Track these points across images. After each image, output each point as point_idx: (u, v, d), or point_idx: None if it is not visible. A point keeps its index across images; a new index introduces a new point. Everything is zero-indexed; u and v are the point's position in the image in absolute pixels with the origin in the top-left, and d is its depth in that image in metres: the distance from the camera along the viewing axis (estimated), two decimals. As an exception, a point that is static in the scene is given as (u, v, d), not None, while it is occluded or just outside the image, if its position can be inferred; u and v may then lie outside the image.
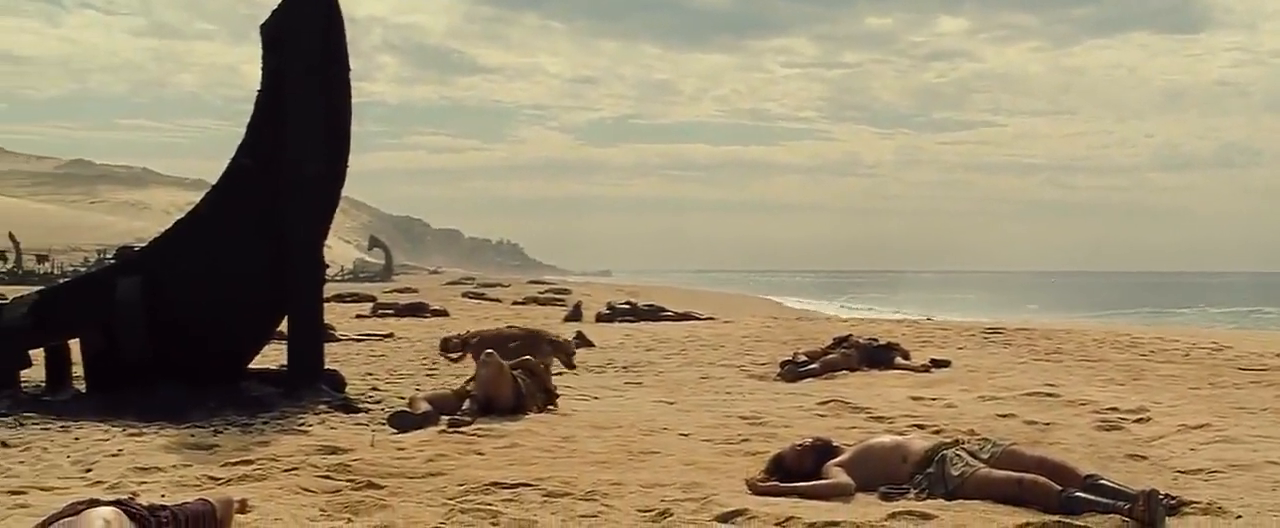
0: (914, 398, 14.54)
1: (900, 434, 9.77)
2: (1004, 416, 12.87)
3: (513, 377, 12.99)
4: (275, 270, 13.46)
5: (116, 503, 6.88)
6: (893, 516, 7.72)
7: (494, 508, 8.24)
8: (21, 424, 11.84)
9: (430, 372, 18.26)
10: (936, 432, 11.19)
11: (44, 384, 13.66)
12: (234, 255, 13.44)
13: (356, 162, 13.78)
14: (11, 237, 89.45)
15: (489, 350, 13.83)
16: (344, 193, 14.08)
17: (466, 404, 12.45)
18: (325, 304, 14.48)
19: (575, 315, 34.72)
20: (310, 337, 13.84)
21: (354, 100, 13.68)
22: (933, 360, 18.78)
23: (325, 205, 13.70)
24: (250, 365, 13.97)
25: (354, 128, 13.71)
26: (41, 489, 8.88)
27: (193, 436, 11.28)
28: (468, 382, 13.15)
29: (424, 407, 12.35)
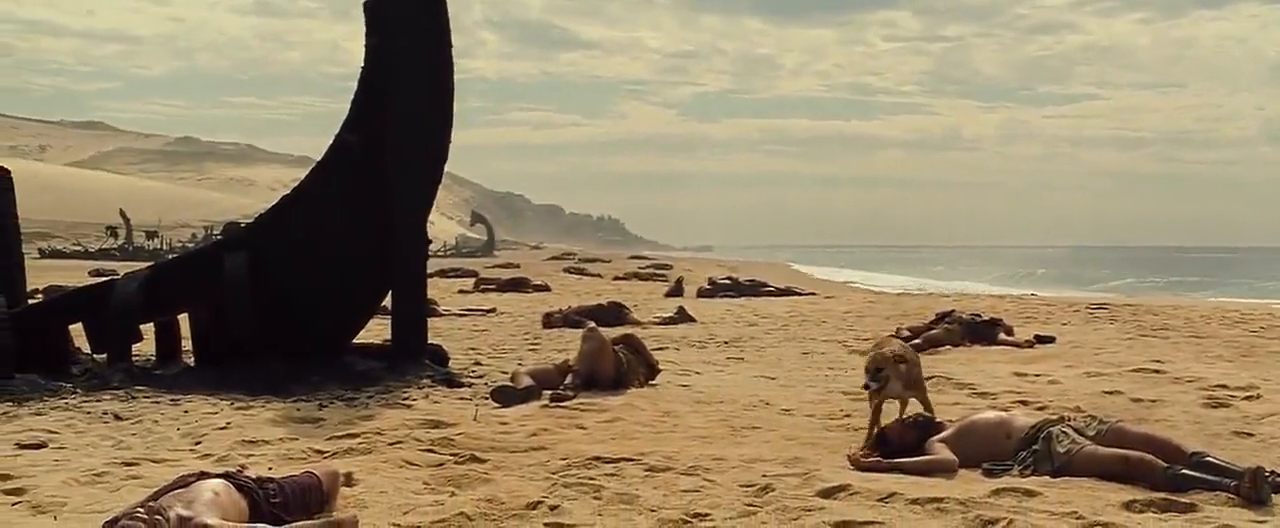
0: (1018, 374, 14.40)
1: (1004, 410, 9.68)
2: (1109, 392, 12.72)
3: (615, 351, 13.03)
4: (380, 246, 13.56)
5: (225, 475, 6.99)
6: (996, 492, 7.67)
7: (596, 482, 8.27)
8: (133, 397, 12.06)
9: (532, 346, 18.35)
10: (1041, 408, 11.10)
11: (154, 358, 13.90)
12: (339, 231, 13.55)
13: (458, 138, 13.84)
14: (122, 213, 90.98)
15: (591, 325, 13.89)
16: (446, 169, 14.15)
17: (568, 379, 12.51)
18: (428, 279, 14.59)
19: (676, 291, 34.70)
20: (414, 312, 13.94)
21: (456, 76, 13.74)
22: (1037, 336, 18.59)
23: (429, 181, 13.78)
24: (355, 340, 14.12)
25: (456, 104, 13.76)
26: (153, 461, 9.04)
27: (298, 409, 11.43)
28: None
29: (526, 381, 12.42)
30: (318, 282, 13.44)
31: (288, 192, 14.22)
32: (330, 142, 13.75)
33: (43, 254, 73.56)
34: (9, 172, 14.48)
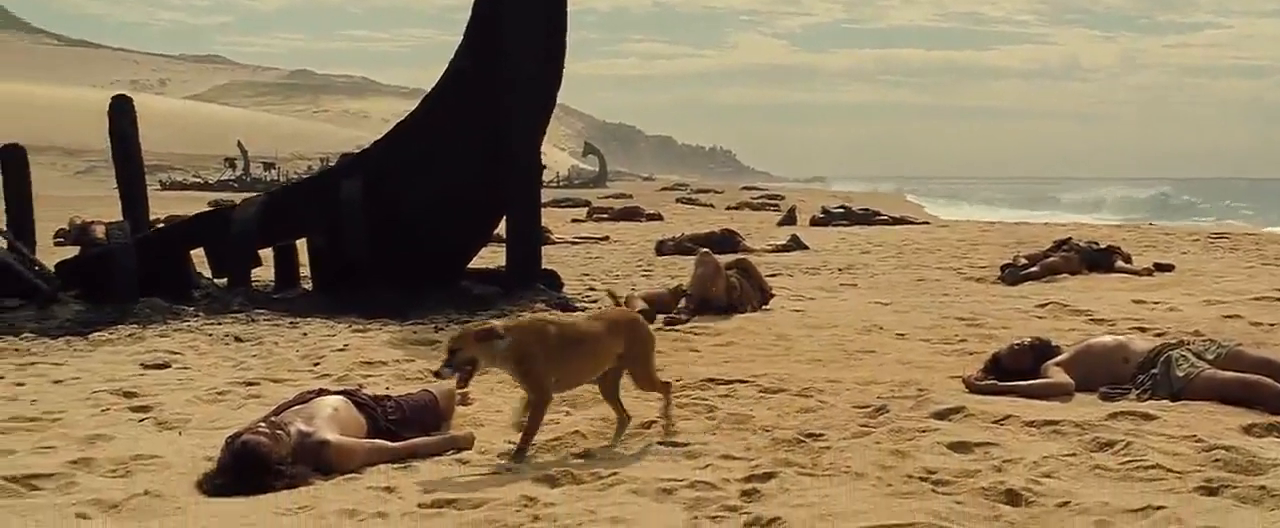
0: (1136, 301, 14.19)
1: (1121, 335, 9.57)
2: (1229, 317, 12.52)
3: (728, 276, 13.02)
4: (493, 171, 13.62)
5: (344, 393, 7.12)
6: (1114, 416, 7.57)
7: (710, 402, 8.31)
8: (254, 320, 12.27)
9: (645, 273, 18.41)
10: (1159, 335, 10.95)
11: (273, 283, 14.10)
12: (453, 157, 13.61)
13: (571, 69, 13.86)
14: (240, 144, 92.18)
15: (705, 250, 13.90)
16: (559, 100, 14.18)
17: (681, 303, 12.54)
18: (541, 209, 14.65)
19: (789, 220, 34.56)
20: (528, 235, 14.03)
21: (568, 7, 13.72)
22: (1156, 264, 18.30)
23: (542, 105, 13.80)
24: (469, 266, 14.22)
25: (569, 36, 13.76)
26: (273, 381, 9.22)
27: (415, 332, 11.57)
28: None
29: (640, 305, 12.43)
30: (432, 207, 13.52)
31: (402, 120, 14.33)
32: (445, 68, 13.81)
33: (163, 186, 74.86)
34: (129, 98, 14.72)
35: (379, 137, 14.54)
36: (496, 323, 7.10)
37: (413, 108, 14.35)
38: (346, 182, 13.55)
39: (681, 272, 16.18)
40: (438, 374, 6.86)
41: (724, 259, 13.99)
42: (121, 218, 14.11)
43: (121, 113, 14.44)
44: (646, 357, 7.59)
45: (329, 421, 6.79)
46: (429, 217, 13.49)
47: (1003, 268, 17.75)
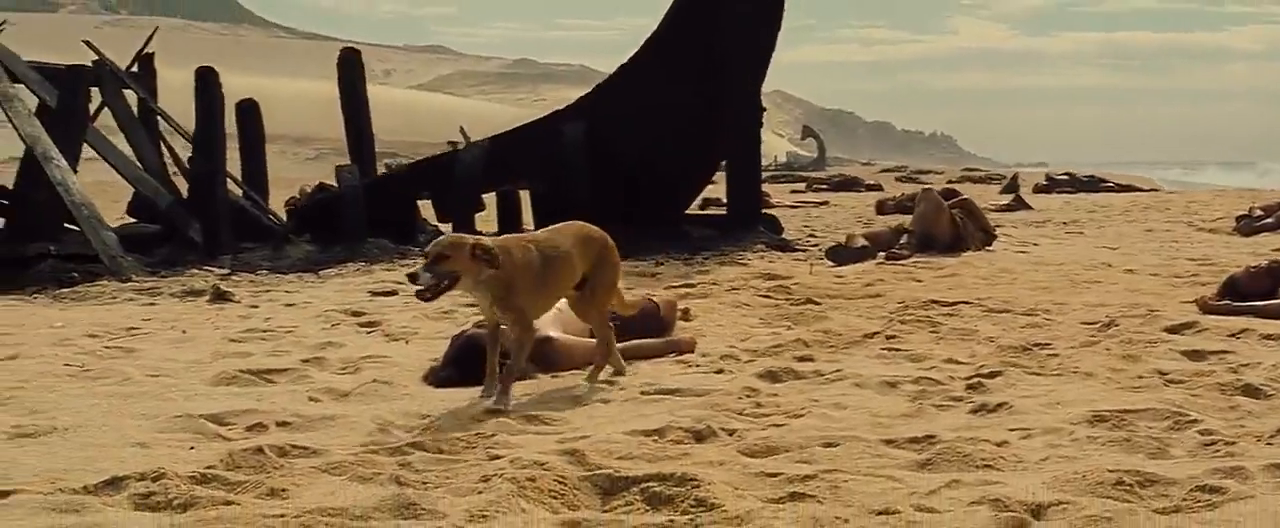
0: (1379, 246, 13.70)
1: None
2: None
3: (951, 215, 12.86)
4: (713, 116, 13.60)
5: (571, 298, 7.14)
6: (1359, 333, 7.32)
7: (933, 319, 8.23)
8: (476, 261, 12.48)
9: (865, 228, 18.27)
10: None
11: (496, 229, 14.30)
12: (673, 100, 13.58)
13: (787, 55, 14.17)
14: (463, 131, 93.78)
15: (927, 187, 13.77)
16: (776, 87, 14.28)
17: (904, 239, 12.43)
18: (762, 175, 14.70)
19: (1012, 187, 33.90)
20: (749, 178, 14.05)
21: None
22: (1398, 214, 17.59)
23: (761, 48, 13.75)
24: (688, 212, 14.27)
25: (784, 21, 13.74)
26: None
27: (636, 267, 11.62)
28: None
29: (861, 242, 12.40)
30: (653, 151, 13.53)
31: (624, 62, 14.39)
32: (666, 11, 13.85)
33: (389, 169, 76.51)
34: (358, 51, 15.12)
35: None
36: (491, 243, 6.04)
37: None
38: (569, 126, 13.67)
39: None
40: (412, 278, 5.88)
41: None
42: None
43: (350, 67, 14.86)
44: (608, 283, 6.55)
45: (553, 319, 6.86)
46: (649, 161, 13.52)
47: (1237, 218, 17.27)
